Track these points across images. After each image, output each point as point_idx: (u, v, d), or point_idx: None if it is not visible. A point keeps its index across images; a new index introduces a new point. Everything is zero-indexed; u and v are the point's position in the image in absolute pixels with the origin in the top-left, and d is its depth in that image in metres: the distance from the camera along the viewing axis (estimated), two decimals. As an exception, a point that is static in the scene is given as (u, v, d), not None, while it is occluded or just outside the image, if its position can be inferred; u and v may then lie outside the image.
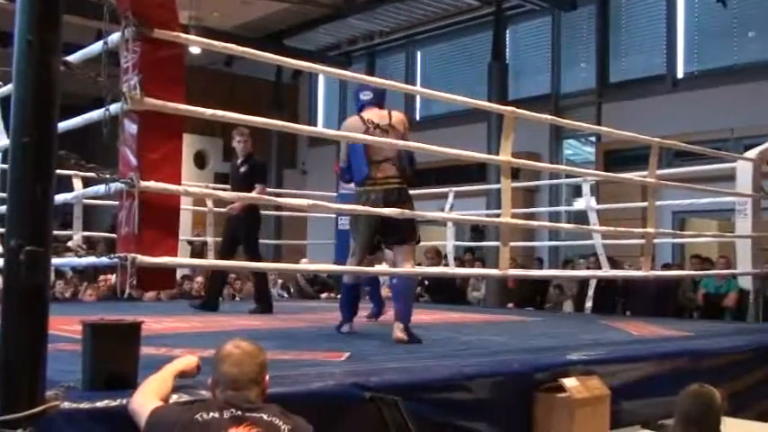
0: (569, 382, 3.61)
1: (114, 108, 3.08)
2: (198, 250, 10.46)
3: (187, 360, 2.77)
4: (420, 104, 16.50)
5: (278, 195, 9.33)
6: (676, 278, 9.07)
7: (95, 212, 10.50)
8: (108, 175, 3.11)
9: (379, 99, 5.10)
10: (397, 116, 5.03)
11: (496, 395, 3.50)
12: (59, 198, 3.20)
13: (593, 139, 13.82)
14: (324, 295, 10.70)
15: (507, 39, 14.18)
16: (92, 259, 3.44)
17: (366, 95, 5.09)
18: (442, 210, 8.86)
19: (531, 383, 3.65)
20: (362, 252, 5.04)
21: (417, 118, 16.56)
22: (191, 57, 12.20)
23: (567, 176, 10.06)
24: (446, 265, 9.38)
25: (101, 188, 3.24)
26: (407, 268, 4.84)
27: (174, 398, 2.60)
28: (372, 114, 4.99)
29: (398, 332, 4.75)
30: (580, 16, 14.10)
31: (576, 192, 11.97)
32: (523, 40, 14.98)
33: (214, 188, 8.05)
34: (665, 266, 9.72)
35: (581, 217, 9.46)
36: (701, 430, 3.21)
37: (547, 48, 14.47)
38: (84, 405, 2.47)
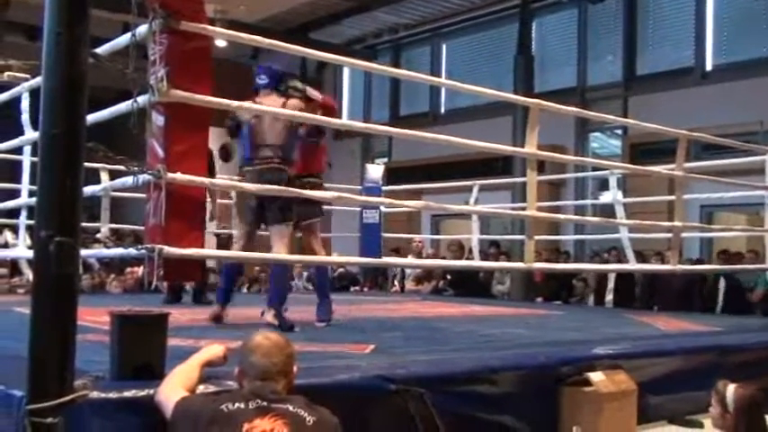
0: (596, 377, 3.58)
1: (142, 100, 3.10)
2: (223, 242, 10.52)
3: (213, 350, 2.78)
4: (445, 97, 16.44)
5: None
6: (703, 273, 8.98)
7: (122, 204, 10.57)
8: (136, 167, 3.13)
9: (275, 83, 5.15)
10: (292, 103, 4.99)
11: (522, 388, 3.49)
12: (87, 190, 3.22)
13: (619, 131, 13.69)
14: (354, 289, 10.72)
15: (533, 31, 14.08)
16: (119, 250, 3.47)
17: (261, 80, 5.16)
18: (467, 203, 8.82)
19: (556, 377, 3.63)
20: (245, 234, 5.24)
21: (442, 111, 16.53)
22: (216, 50, 12.23)
23: (594, 169, 9.97)
24: (470, 258, 9.36)
25: (128, 180, 3.26)
26: (280, 248, 4.91)
27: (201, 388, 2.62)
28: (265, 99, 5.06)
29: (269, 317, 4.92)
30: (607, 8, 13.94)
31: (603, 185, 11.87)
32: (550, 32, 14.86)
33: (239, 181, 8.04)
34: (697, 261, 9.61)
35: (607, 210, 9.38)
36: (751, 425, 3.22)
37: (573, 40, 14.33)
38: (112, 395, 2.50)
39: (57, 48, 2.45)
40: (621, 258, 7.83)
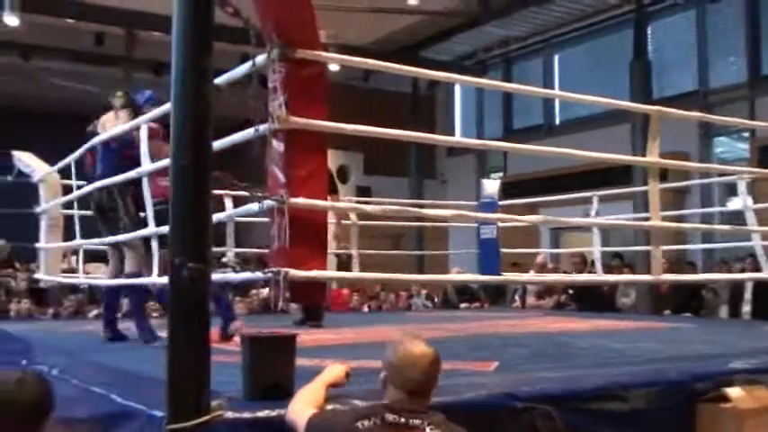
0: (734, 392, 3.42)
1: (262, 128, 3.20)
2: (344, 263, 10.70)
3: (336, 370, 2.79)
4: (559, 108, 16.20)
5: (420, 206, 9.39)
6: None
7: (244, 229, 10.92)
8: (259, 194, 3.23)
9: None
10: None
11: (654, 405, 3.36)
12: (215, 217, 3.35)
13: (746, 134, 13.11)
14: (463, 305, 10.63)
15: (649, 36, 13.71)
16: (247, 274, 3.58)
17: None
18: (588, 215, 8.63)
19: (690, 393, 3.48)
20: None
21: (557, 122, 16.29)
22: (329, 74, 12.51)
23: (720, 175, 9.58)
24: (592, 271, 9.13)
25: (253, 206, 3.36)
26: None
27: (328, 408, 2.65)
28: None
29: None
30: (727, 6, 13.44)
31: (730, 191, 11.37)
32: (667, 35, 14.42)
33: (357, 202, 8.18)
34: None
35: (736, 217, 8.97)
36: None
37: (692, 42, 13.86)
38: (246, 415, 2.57)
39: (183, 82, 2.56)
40: (757, 267, 7.44)
